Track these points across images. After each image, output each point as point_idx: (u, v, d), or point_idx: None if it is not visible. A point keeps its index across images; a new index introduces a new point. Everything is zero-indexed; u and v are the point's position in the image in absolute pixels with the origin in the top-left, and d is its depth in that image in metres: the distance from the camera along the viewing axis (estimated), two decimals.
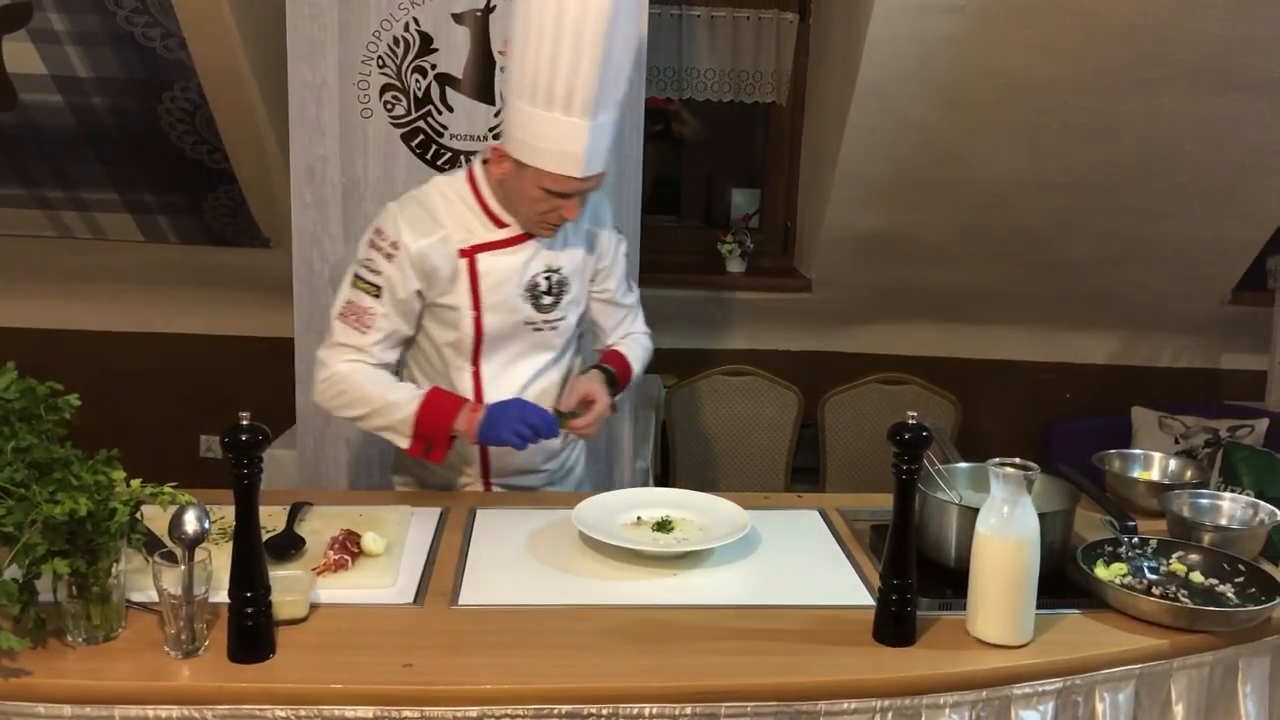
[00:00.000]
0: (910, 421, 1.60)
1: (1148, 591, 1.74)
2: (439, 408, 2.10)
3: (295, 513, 1.96)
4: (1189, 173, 3.60)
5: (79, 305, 4.16)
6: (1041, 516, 1.64)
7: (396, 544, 1.88)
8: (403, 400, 2.10)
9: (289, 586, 1.62)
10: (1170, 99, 3.32)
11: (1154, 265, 3.98)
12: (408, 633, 1.61)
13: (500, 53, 2.89)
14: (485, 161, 2.13)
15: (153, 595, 1.54)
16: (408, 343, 2.20)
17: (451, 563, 1.85)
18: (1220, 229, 3.84)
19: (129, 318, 4.19)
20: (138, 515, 1.58)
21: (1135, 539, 1.85)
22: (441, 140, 2.94)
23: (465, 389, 2.17)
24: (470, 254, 2.10)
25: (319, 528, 1.93)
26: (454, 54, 2.89)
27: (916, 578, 1.63)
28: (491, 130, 2.93)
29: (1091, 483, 2.07)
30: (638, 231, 3.07)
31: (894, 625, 1.62)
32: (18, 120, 3.39)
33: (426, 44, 2.89)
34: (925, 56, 3.25)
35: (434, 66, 2.90)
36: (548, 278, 2.16)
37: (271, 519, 1.93)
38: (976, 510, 1.66)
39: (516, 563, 1.87)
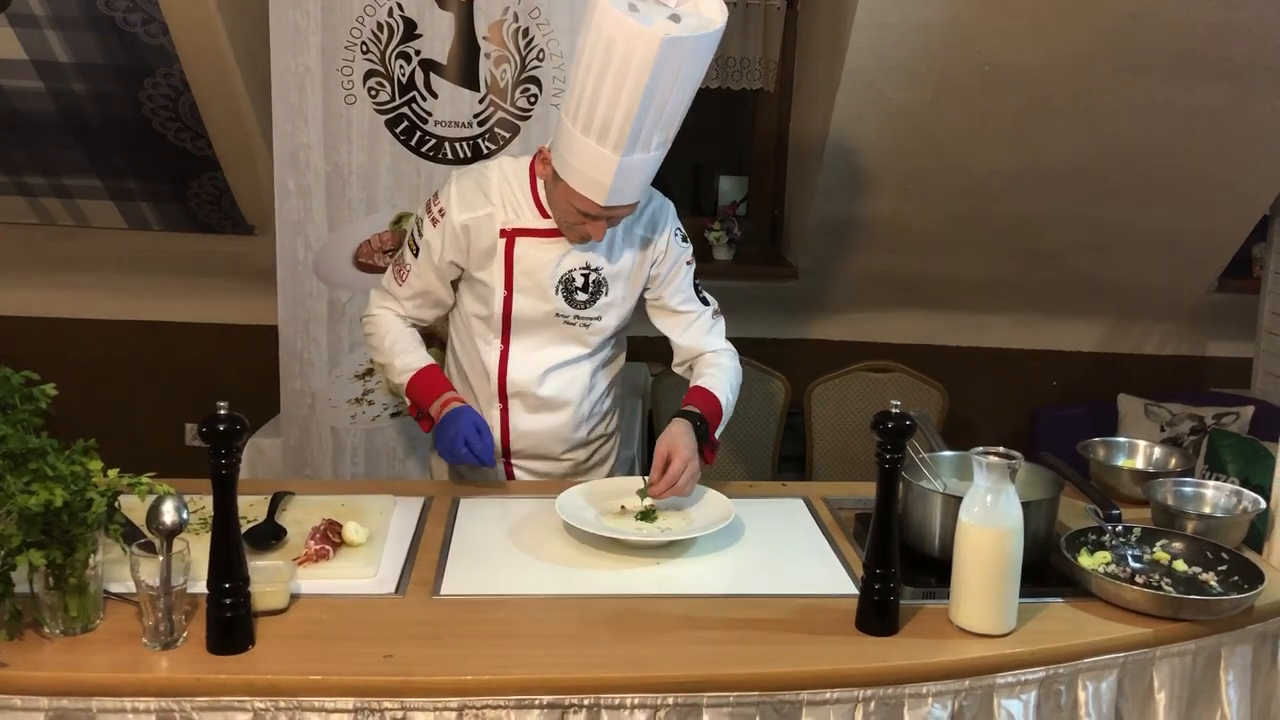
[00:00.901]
0: (893, 410, 1.59)
1: (1131, 580, 1.74)
2: (421, 389, 2.20)
3: (276, 502, 1.95)
4: (1175, 160, 3.59)
5: (62, 293, 4.13)
6: (1025, 505, 1.64)
7: (378, 534, 1.87)
8: (401, 368, 2.22)
9: (269, 577, 1.61)
10: (1157, 86, 3.32)
11: (1140, 253, 3.98)
12: (389, 623, 1.60)
13: (485, 39, 2.87)
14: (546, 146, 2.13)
15: (131, 586, 1.53)
16: (446, 307, 2.27)
17: (434, 552, 1.84)
18: (1206, 217, 3.84)
19: (113, 305, 4.17)
20: (115, 505, 1.57)
21: (1119, 527, 1.86)
22: (425, 126, 2.92)
23: (491, 363, 2.21)
24: (511, 235, 2.12)
25: (300, 517, 1.92)
26: (438, 40, 2.87)
27: (900, 567, 1.63)
28: (476, 116, 2.91)
29: (1076, 471, 2.06)
30: None
31: (877, 615, 1.61)
32: None
33: (410, 29, 2.86)
34: (911, 44, 3.24)
35: (418, 52, 2.87)
36: (585, 274, 2.15)
37: (253, 508, 1.92)
38: (960, 499, 1.65)
39: (499, 552, 1.86)
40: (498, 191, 2.14)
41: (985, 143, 3.58)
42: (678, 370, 2.33)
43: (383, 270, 2.82)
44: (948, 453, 2.02)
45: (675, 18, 1.88)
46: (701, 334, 2.27)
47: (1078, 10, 3.08)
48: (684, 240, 2.25)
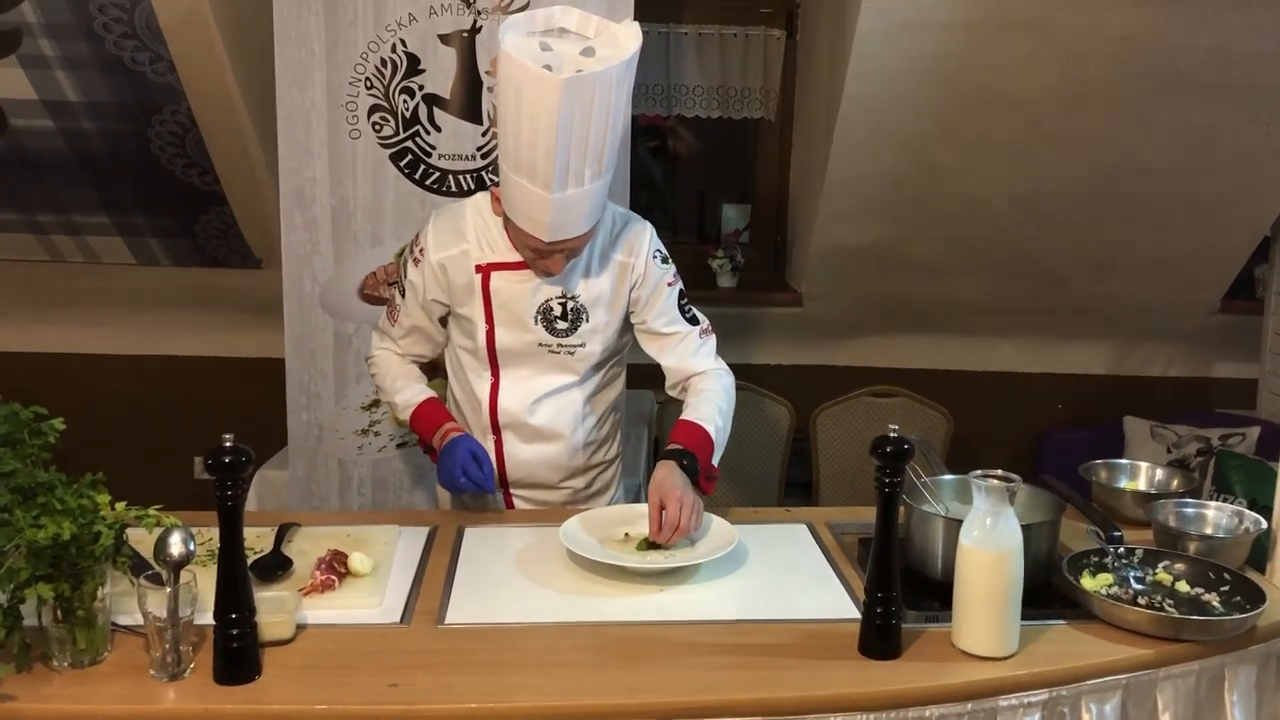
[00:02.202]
0: (891, 435, 1.60)
1: (1134, 601, 1.74)
2: (423, 421, 2.25)
3: (283, 533, 1.96)
4: (1176, 183, 3.61)
5: (72, 328, 4.17)
6: (1026, 528, 1.65)
7: (384, 564, 1.88)
8: (403, 404, 2.28)
9: (275, 607, 1.63)
10: (1157, 110, 3.34)
11: (1143, 275, 4.00)
12: (394, 652, 1.61)
13: (487, 73, 2.90)
14: None
15: (138, 618, 1.54)
16: (439, 343, 2.32)
17: (439, 582, 1.85)
18: (1208, 238, 3.85)
19: (122, 340, 4.20)
20: (123, 538, 1.59)
21: (1121, 549, 1.86)
22: (430, 160, 2.95)
23: (483, 394, 2.23)
24: (486, 271, 2.15)
25: (306, 548, 1.93)
26: (441, 74, 2.91)
27: (901, 590, 1.63)
28: (479, 149, 2.94)
29: (1078, 493, 2.07)
30: None
31: (879, 638, 1.62)
32: (8, 145, 3.41)
33: (414, 65, 2.90)
34: (911, 72, 3.27)
35: (421, 87, 2.91)
36: (562, 303, 2.16)
37: (259, 540, 1.93)
38: (962, 522, 1.66)
39: (504, 581, 1.87)
40: (472, 229, 2.16)
41: (986, 168, 3.61)
42: (671, 393, 2.30)
43: (388, 302, 2.87)
44: (949, 476, 2.03)
45: (589, 50, 1.94)
46: (689, 354, 2.24)
47: (1074, 38, 3.11)
48: (664, 261, 2.22)
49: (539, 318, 2.16)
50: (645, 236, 2.22)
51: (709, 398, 2.19)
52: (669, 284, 2.22)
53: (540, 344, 2.17)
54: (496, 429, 2.23)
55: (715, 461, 2.15)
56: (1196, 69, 3.18)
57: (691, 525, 1.96)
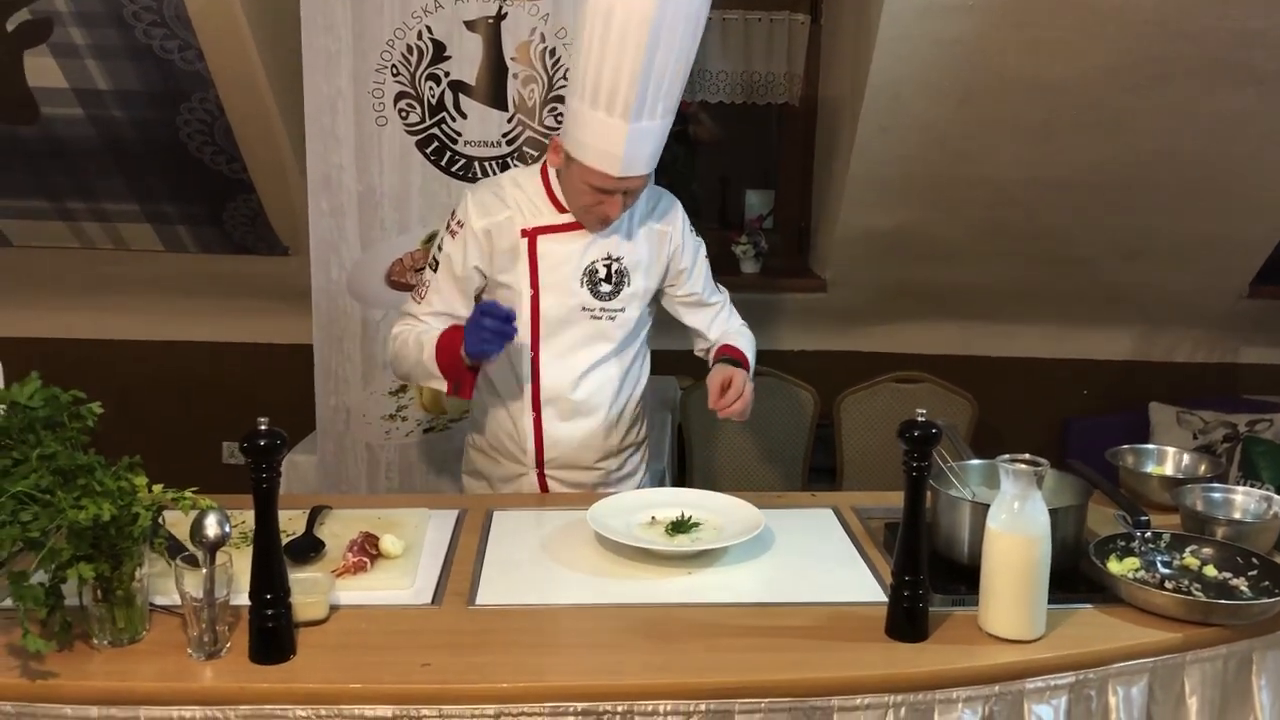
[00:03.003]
0: (919, 419, 1.61)
1: (1160, 586, 1.75)
2: (448, 340, 2.19)
3: (314, 516, 1.99)
4: (1203, 167, 3.58)
5: (101, 315, 4.21)
6: (1053, 512, 1.65)
7: (414, 546, 1.91)
8: (428, 342, 2.23)
9: (309, 588, 1.65)
10: (1183, 94, 3.31)
11: (1170, 260, 3.97)
12: (426, 633, 1.63)
13: (513, 59, 2.91)
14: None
15: (175, 599, 1.57)
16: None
17: (468, 564, 1.87)
18: (1236, 223, 3.82)
19: (151, 327, 4.24)
20: (159, 520, 1.62)
21: (1148, 533, 1.86)
22: (455, 147, 2.97)
23: (524, 373, 2.27)
24: (532, 235, 2.21)
25: (338, 531, 1.96)
26: (467, 61, 2.92)
27: (928, 574, 1.64)
28: (505, 136, 2.96)
29: (1105, 478, 2.07)
30: None
31: (906, 621, 1.63)
32: (40, 133, 3.44)
33: (440, 51, 2.92)
34: (936, 56, 3.26)
35: (447, 74, 2.93)
36: (607, 265, 2.23)
37: (291, 523, 1.96)
38: (989, 507, 1.67)
39: (532, 563, 1.89)
40: (512, 197, 2.23)
41: (1011, 153, 3.58)
42: (700, 354, 2.47)
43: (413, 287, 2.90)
44: (975, 461, 2.04)
45: None
46: (725, 322, 2.44)
47: (1100, 22, 3.09)
48: (696, 233, 2.37)
49: (584, 279, 2.22)
50: (679, 210, 2.35)
51: (743, 340, 2.41)
52: (704, 257, 2.38)
53: (584, 308, 2.23)
54: (537, 406, 2.27)
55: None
56: (1223, 53, 3.16)
57: (744, 408, 2.19)
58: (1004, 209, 3.79)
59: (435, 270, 2.26)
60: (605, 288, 2.23)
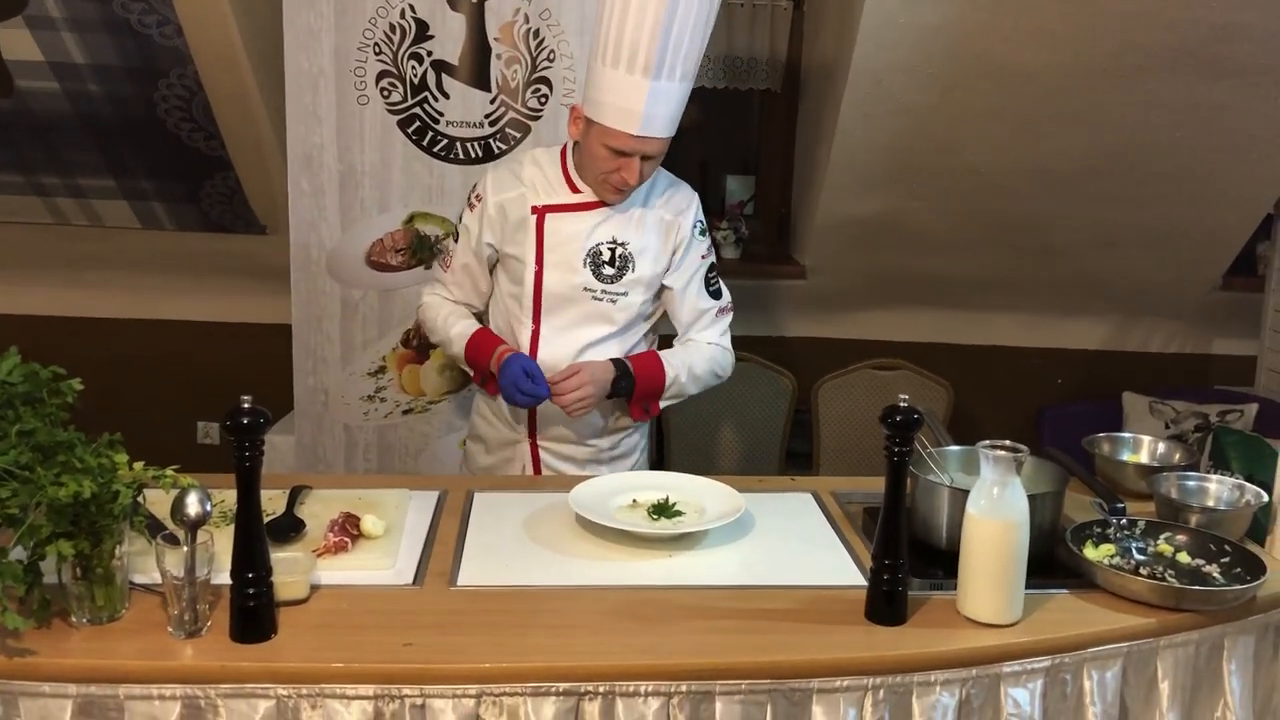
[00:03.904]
0: (902, 404, 1.62)
1: (1135, 572, 1.77)
2: (478, 349, 2.31)
3: (295, 496, 1.98)
4: (1180, 159, 3.61)
5: (77, 292, 4.16)
6: (1031, 498, 1.67)
7: (395, 526, 1.90)
8: (456, 336, 2.35)
9: (290, 568, 1.65)
10: (1162, 85, 3.34)
11: (1145, 251, 4.00)
12: (407, 613, 1.63)
13: (496, 39, 2.90)
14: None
15: (155, 577, 1.56)
16: (485, 294, 2.40)
17: (450, 545, 1.87)
18: (1211, 215, 3.86)
19: (126, 305, 4.20)
20: (139, 498, 1.60)
21: (1123, 520, 1.88)
22: (438, 127, 2.95)
23: (524, 343, 2.31)
24: (541, 212, 2.26)
25: (318, 511, 1.95)
26: (450, 41, 2.90)
27: (908, 558, 1.66)
28: (488, 117, 2.95)
29: (1081, 466, 2.09)
30: None
31: (885, 604, 1.64)
32: (15, 107, 3.40)
33: (422, 31, 2.90)
34: (918, 43, 3.27)
35: (430, 53, 2.91)
36: (611, 248, 2.26)
37: (271, 502, 1.94)
38: (967, 492, 1.68)
39: (514, 544, 1.89)
40: (529, 175, 2.28)
41: (992, 142, 3.61)
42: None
43: (394, 269, 2.91)
44: (954, 447, 2.05)
45: None
46: (700, 327, 2.39)
47: (1081, 12, 3.10)
48: (703, 234, 2.37)
49: (588, 260, 2.26)
50: (693, 205, 2.36)
51: (690, 352, 2.36)
52: (702, 256, 2.37)
53: (585, 288, 2.26)
54: None
55: (661, 404, 2.36)
56: (1202, 46, 3.18)
57: (569, 403, 2.19)
58: (984, 198, 3.81)
59: (456, 241, 2.37)
60: (608, 270, 2.26)
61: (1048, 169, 3.67)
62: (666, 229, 2.31)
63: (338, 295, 3.05)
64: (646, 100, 2.09)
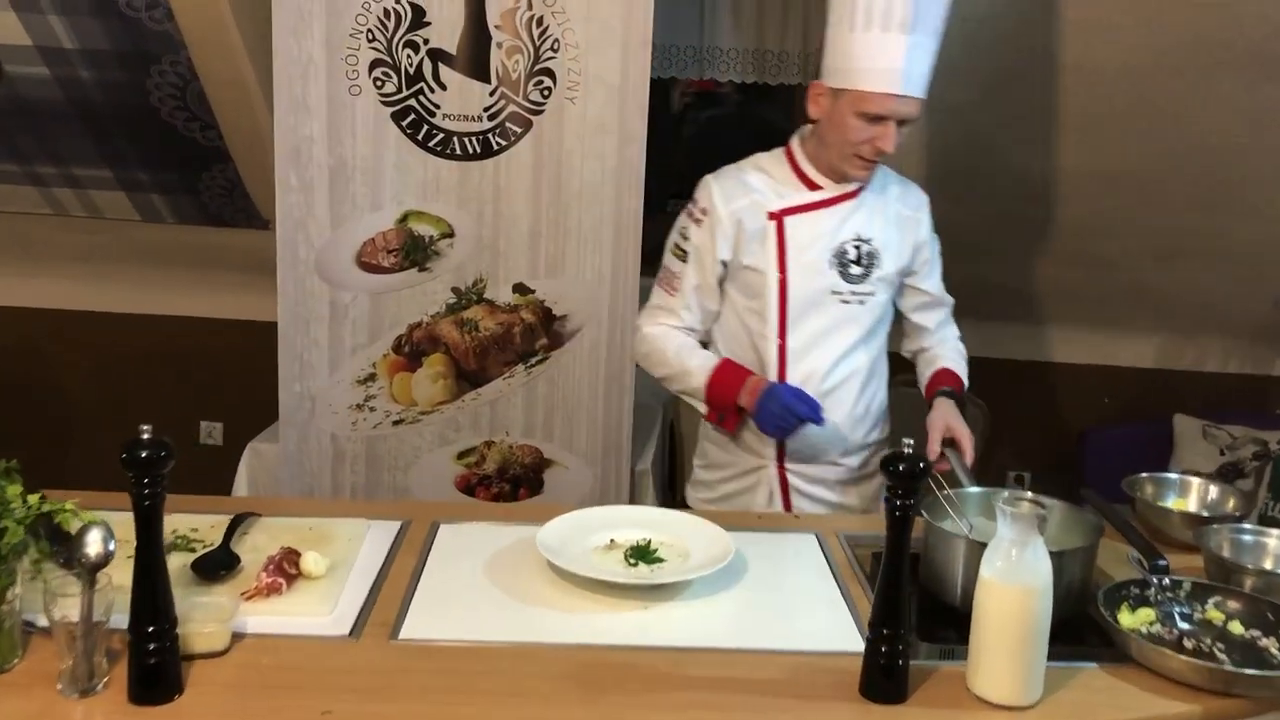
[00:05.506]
0: (906, 450, 1.40)
1: (1179, 644, 1.54)
2: (725, 381, 2.17)
3: (235, 526, 1.79)
4: (1245, 165, 3.36)
5: (77, 285, 4.04)
6: (1058, 555, 1.46)
7: (342, 564, 1.71)
8: (696, 369, 2.20)
9: (209, 614, 1.47)
10: (1228, 86, 3.09)
11: (1204, 263, 3.74)
12: (335, 671, 1.44)
13: (497, 27, 2.70)
14: (800, 128, 2.22)
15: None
16: (714, 317, 2.27)
17: (400, 588, 1.68)
18: (1276, 226, 3.59)
19: (127, 299, 4.07)
20: (40, 531, 1.43)
21: (1166, 580, 1.64)
22: (433, 120, 2.76)
23: (770, 362, 2.19)
24: (779, 216, 2.16)
25: (261, 543, 1.76)
26: (448, 28, 2.71)
27: (911, 624, 1.44)
28: (486, 110, 2.75)
29: (1121, 504, 1.86)
30: (639, 219, 2.87)
31: (883, 679, 1.43)
32: (5, 92, 3.26)
33: (419, 17, 2.71)
34: (965, 37, 3.02)
35: (426, 41, 2.72)
36: (857, 246, 2.18)
37: (213, 530, 1.78)
38: (985, 545, 1.46)
39: (472, 589, 1.69)
40: (756, 180, 2.19)
41: (1037, 143, 3.38)
42: (907, 355, 2.43)
43: (387, 271, 2.74)
44: (974, 489, 1.83)
45: None
46: (944, 328, 2.40)
47: (1148, 4, 2.87)
48: (934, 230, 2.31)
49: (834, 260, 2.16)
50: (927, 204, 2.30)
51: (961, 360, 2.37)
52: (940, 255, 2.34)
53: (833, 291, 2.17)
54: None
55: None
56: (1268, 44, 2.93)
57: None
58: (1028, 202, 3.59)
59: (685, 261, 2.21)
60: (855, 270, 2.17)
61: (1101, 173, 3.44)
62: (905, 225, 2.23)
63: (326, 297, 2.87)
64: (905, 56, 2.01)
